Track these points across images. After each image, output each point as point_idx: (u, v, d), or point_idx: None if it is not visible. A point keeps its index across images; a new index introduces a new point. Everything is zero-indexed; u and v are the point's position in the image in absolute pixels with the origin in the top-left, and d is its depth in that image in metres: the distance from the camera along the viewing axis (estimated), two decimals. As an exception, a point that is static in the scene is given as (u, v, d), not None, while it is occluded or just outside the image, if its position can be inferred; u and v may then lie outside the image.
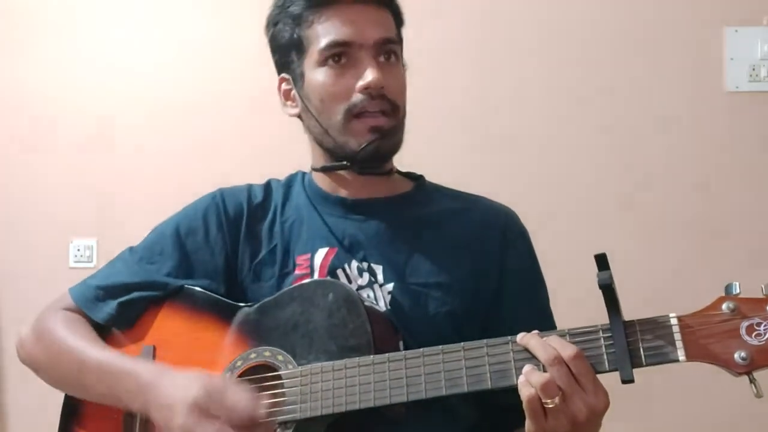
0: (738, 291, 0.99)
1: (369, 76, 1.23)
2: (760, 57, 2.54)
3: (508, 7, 2.61)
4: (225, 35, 2.68)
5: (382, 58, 1.26)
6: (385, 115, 1.25)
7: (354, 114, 1.24)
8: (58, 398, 1.34)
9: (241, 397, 1.08)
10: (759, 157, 2.52)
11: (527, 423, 1.02)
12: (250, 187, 1.38)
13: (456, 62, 2.61)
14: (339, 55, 1.25)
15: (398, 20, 1.33)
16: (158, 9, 2.76)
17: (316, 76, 1.27)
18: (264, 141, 2.55)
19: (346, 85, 1.24)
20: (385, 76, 1.25)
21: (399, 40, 1.31)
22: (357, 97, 1.24)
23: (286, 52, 1.31)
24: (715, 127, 2.54)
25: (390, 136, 1.26)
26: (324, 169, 1.32)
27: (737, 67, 2.54)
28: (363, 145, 1.24)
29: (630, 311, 1.04)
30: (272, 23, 1.33)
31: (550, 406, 0.98)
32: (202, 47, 2.72)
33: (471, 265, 1.27)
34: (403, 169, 1.40)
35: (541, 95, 2.59)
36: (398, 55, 1.30)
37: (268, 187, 1.39)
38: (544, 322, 1.11)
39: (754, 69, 2.54)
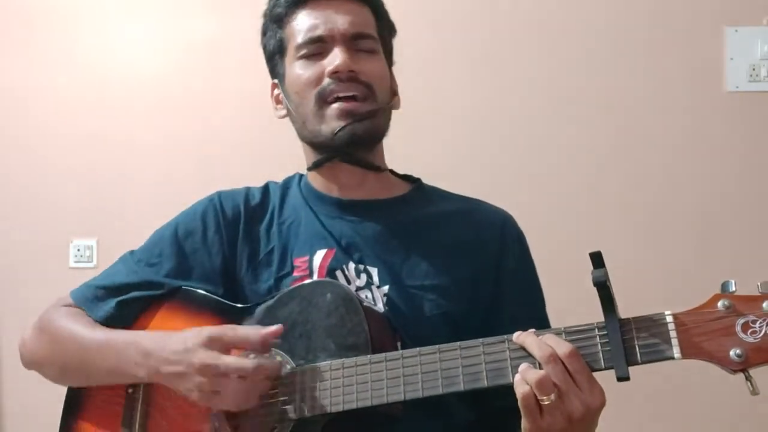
0: (734, 289, 0.99)
1: (337, 59, 1.24)
2: (760, 57, 2.54)
3: (508, 7, 2.61)
4: (226, 36, 2.68)
5: (358, 50, 1.28)
6: (359, 99, 1.25)
7: (325, 99, 1.25)
8: (54, 398, 1.35)
9: (251, 328, 1.14)
10: (759, 157, 2.52)
11: (523, 421, 1.02)
12: (248, 190, 1.39)
13: (455, 62, 2.61)
14: (313, 49, 1.27)
15: (381, 20, 1.34)
16: (160, 9, 2.76)
17: (294, 70, 1.29)
18: (265, 143, 2.54)
19: (316, 72, 1.26)
20: (359, 62, 1.26)
21: (377, 37, 1.31)
22: (326, 81, 1.25)
23: (273, 57, 1.35)
24: (715, 127, 2.54)
25: (365, 120, 1.25)
26: (314, 165, 1.33)
27: (737, 67, 2.54)
28: (336, 131, 1.24)
29: (626, 309, 1.03)
30: (263, 33, 1.37)
31: (546, 402, 0.98)
32: (204, 48, 2.72)
33: (468, 267, 1.27)
34: (401, 170, 1.41)
35: (540, 95, 2.58)
36: (376, 50, 1.31)
37: (266, 189, 1.40)
38: (539, 325, 1.11)
39: (754, 69, 2.54)
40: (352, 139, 1.25)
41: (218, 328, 1.14)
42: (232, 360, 1.10)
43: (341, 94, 1.24)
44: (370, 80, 1.26)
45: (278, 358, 1.17)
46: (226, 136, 2.68)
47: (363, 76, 1.25)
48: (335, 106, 1.25)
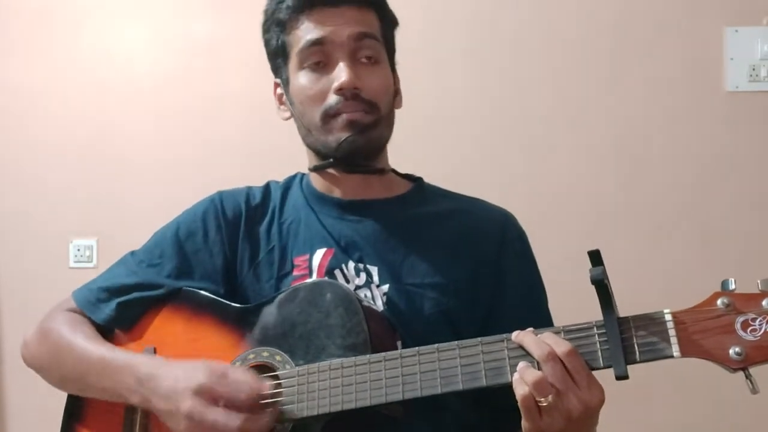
0: (733, 287, 0.98)
1: (342, 76, 1.24)
2: (760, 57, 2.54)
3: (508, 8, 2.61)
4: (226, 36, 2.68)
5: (364, 59, 1.28)
6: (363, 112, 1.25)
7: (330, 115, 1.26)
8: (57, 398, 1.35)
9: (244, 378, 1.11)
10: (759, 157, 2.52)
11: (523, 421, 1.02)
12: (248, 189, 1.40)
13: (454, 62, 2.61)
14: (316, 57, 1.26)
15: (385, 21, 1.33)
16: (160, 9, 2.76)
17: (298, 80, 1.29)
18: (265, 143, 2.55)
19: (322, 88, 1.26)
20: (363, 76, 1.26)
21: (381, 39, 1.31)
22: (332, 98, 1.25)
23: (276, 58, 1.34)
24: (715, 127, 2.53)
25: (367, 132, 1.26)
26: (315, 169, 1.34)
27: (737, 67, 2.54)
28: (340, 141, 1.25)
29: (625, 307, 1.03)
30: (264, 30, 1.36)
31: (544, 404, 0.98)
32: (204, 49, 2.72)
33: (468, 265, 1.27)
34: (402, 170, 1.41)
35: (540, 95, 2.58)
36: (380, 55, 1.30)
37: (266, 188, 1.40)
38: (542, 323, 1.11)
39: (754, 69, 2.53)
40: (355, 151, 1.26)
41: (210, 377, 1.11)
42: (218, 415, 1.08)
43: (345, 111, 1.25)
44: (373, 98, 1.27)
45: (278, 358, 1.17)
46: (226, 135, 2.68)
47: (365, 93, 1.26)
48: (340, 118, 1.25)
